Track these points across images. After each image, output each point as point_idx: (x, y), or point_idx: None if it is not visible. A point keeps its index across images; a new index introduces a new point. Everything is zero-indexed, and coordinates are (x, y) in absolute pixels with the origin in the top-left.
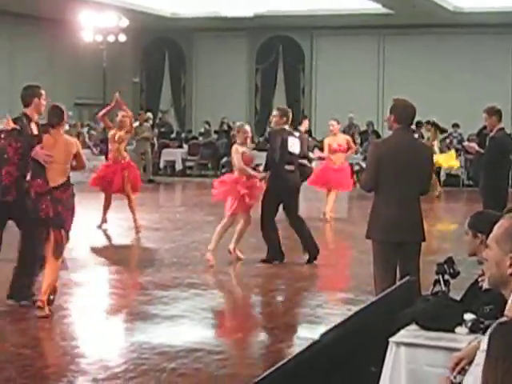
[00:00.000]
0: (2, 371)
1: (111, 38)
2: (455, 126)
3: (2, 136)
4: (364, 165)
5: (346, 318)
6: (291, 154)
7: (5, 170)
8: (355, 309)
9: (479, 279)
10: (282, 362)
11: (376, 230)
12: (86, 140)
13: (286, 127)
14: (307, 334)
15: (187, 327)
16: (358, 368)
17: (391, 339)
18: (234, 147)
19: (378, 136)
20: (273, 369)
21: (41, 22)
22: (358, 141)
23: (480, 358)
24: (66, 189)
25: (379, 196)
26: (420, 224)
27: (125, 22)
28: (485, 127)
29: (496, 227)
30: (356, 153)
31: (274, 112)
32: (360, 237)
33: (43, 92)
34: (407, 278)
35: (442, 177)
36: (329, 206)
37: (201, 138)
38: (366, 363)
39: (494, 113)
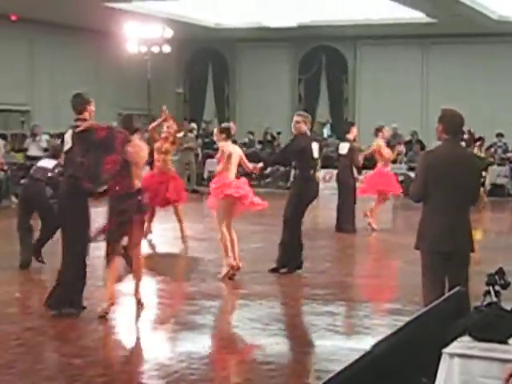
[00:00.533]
0: (53, 381)
1: (155, 49)
2: (499, 135)
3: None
4: (410, 174)
5: (397, 328)
6: (314, 159)
7: (111, 158)
8: (402, 319)
9: None
10: (335, 373)
11: (425, 240)
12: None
13: (308, 133)
14: (355, 345)
15: (236, 337)
16: (408, 379)
17: (445, 350)
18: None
19: (423, 146)
20: (326, 379)
21: (86, 33)
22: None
23: None
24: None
25: (428, 206)
26: (469, 234)
27: (169, 33)
28: None
29: None
30: (400, 162)
31: (297, 118)
32: (405, 247)
33: (92, 99)
34: (457, 288)
35: (487, 187)
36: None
37: (244, 149)
38: (416, 374)
39: None
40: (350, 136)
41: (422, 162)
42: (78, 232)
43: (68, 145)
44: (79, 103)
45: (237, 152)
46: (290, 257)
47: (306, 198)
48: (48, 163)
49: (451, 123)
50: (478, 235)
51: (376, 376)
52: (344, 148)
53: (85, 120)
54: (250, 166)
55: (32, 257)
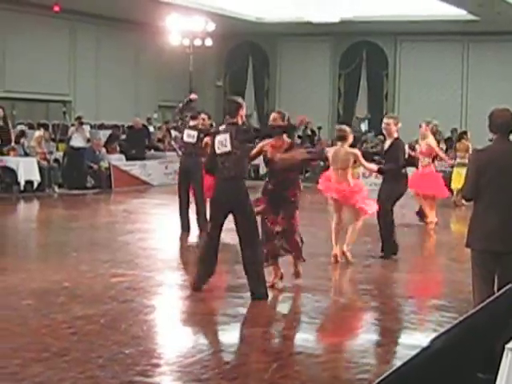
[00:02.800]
0: (107, 369)
1: (197, 42)
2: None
3: None
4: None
5: (455, 323)
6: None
7: None
8: (449, 315)
9: None
10: (394, 368)
11: (476, 239)
12: (172, 142)
13: None
14: (403, 340)
15: (284, 330)
16: (465, 375)
17: (508, 346)
18: None
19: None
20: (386, 374)
21: (128, 24)
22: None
23: None
24: None
25: (479, 204)
26: None
27: (211, 26)
28: None
29: None
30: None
31: (389, 120)
32: (448, 244)
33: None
34: (511, 285)
35: None
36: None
37: None
38: (473, 370)
39: None
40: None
41: (473, 160)
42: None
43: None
44: (234, 108)
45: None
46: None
47: (397, 192)
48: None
49: (498, 122)
50: None
51: (434, 371)
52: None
53: (236, 124)
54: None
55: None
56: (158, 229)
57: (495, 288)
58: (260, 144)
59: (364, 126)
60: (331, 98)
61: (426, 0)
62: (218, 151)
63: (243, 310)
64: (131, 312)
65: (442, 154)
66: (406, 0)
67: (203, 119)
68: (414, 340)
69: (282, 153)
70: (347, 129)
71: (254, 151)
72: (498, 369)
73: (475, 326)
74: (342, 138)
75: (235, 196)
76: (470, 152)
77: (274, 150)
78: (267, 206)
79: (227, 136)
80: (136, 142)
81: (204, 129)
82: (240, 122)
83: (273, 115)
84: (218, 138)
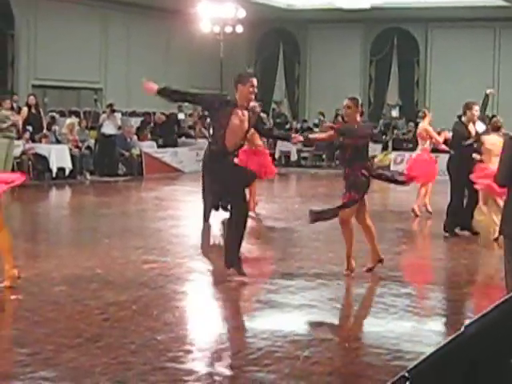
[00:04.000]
0: (140, 355)
1: (228, 29)
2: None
3: None
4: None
5: (489, 310)
6: None
7: None
8: (480, 303)
9: None
10: (428, 354)
11: (509, 226)
12: (203, 130)
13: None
14: (434, 327)
15: (317, 316)
16: (498, 361)
17: None
18: None
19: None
20: (419, 360)
21: (159, 12)
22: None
23: None
24: None
25: None
26: None
27: (242, 13)
28: None
29: None
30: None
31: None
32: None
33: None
34: None
35: None
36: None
37: (316, 129)
38: (506, 356)
39: None
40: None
41: (508, 147)
42: None
43: None
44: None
45: None
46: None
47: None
48: None
49: None
50: None
51: (467, 357)
52: None
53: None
54: None
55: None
56: (190, 216)
57: None
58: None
59: (395, 113)
60: (362, 85)
61: None
62: None
63: (275, 297)
64: (163, 298)
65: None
66: None
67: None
68: (445, 326)
69: None
70: None
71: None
72: None
73: (509, 312)
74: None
75: None
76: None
77: None
78: None
79: None
80: (164, 131)
81: None
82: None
83: (346, 102)
84: None
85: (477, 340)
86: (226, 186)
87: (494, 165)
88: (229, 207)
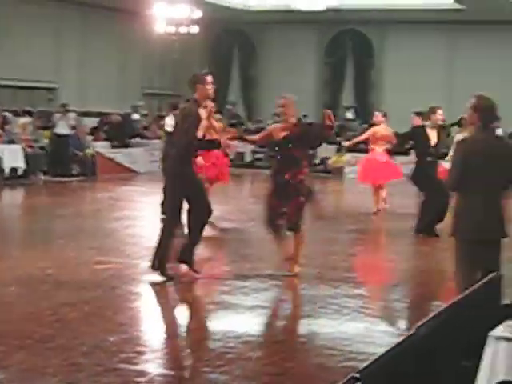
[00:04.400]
0: (91, 357)
1: (183, 30)
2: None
3: None
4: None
5: (439, 311)
6: None
7: None
8: (434, 304)
9: None
10: (379, 355)
11: (461, 228)
12: (157, 130)
13: None
14: (388, 328)
15: (269, 318)
16: (450, 362)
17: (491, 333)
18: None
19: (449, 132)
20: (371, 361)
21: (113, 12)
22: None
23: None
24: None
25: (463, 194)
26: (504, 220)
27: (197, 14)
28: None
29: None
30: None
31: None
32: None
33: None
34: (495, 273)
35: None
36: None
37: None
38: (458, 357)
39: None
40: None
41: (459, 150)
42: None
43: None
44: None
45: None
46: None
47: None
48: None
49: (487, 111)
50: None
51: (418, 358)
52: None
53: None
54: None
55: None
56: (145, 216)
57: (478, 276)
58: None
59: (350, 115)
60: (317, 87)
61: None
62: None
63: (228, 298)
64: (116, 299)
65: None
66: None
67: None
68: (397, 327)
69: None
70: None
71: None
72: (481, 357)
73: (460, 313)
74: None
75: None
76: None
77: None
78: None
79: None
80: (119, 131)
81: None
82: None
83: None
84: None
85: (427, 341)
86: (192, 188)
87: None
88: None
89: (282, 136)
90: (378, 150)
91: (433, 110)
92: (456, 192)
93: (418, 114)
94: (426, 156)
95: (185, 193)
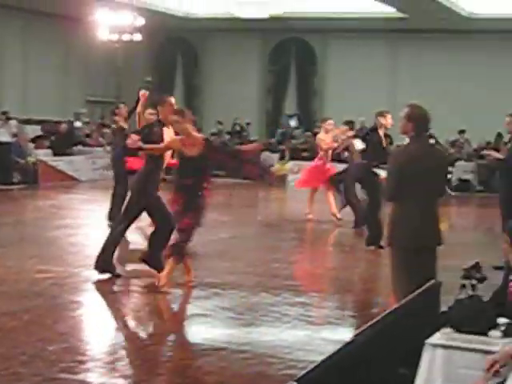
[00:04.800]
0: (30, 366)
1: (126, 37)
2: (462, 132)
3: None
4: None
5: (378, 319)
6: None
7: None
8: (374, 311)
9: (511, 284)
10: (317, 362)
11: (397, 236)
12: (100, 138)
13: None
14: (328, 335)
15: (210, 326)
16: (388, 369)
17: (428, 341)
18: None
19: (391, 139)
20: (308, 369)
21: (57, 19)
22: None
23: None
24: None
25: (401, 203)
26: (439, 228)
27: (140, 21)
28: (500, 134)
29: None
30: None
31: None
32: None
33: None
34: (433, 281)
35: (454, 182)
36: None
37: (213, 138)
38: (396, 365)
39: None
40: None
41: (394, 160)
42: None
43: None
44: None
45: None
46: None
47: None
48: None
49: (423, 121)
50: (443, 227)
51: (356, 366)
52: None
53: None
54: None
55: None
56: (87, 224)
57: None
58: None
59: (293, 123)
60: (260, 94)
61: None
62: None
63: (170, 306)
64: (57, 308)
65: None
66: None
67: None
68: (338, 335)
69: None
70: None
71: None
72: (419, 364)
73: (398, 321)
74: None
75: None
76: None
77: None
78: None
79: None
80: (61, 139)
81: None
82: None
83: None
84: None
85: (365, 349)
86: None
87: None
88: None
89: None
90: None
91: (382, 114)
92: (392, 200)
93: (347, 123)
94: (377, 159)
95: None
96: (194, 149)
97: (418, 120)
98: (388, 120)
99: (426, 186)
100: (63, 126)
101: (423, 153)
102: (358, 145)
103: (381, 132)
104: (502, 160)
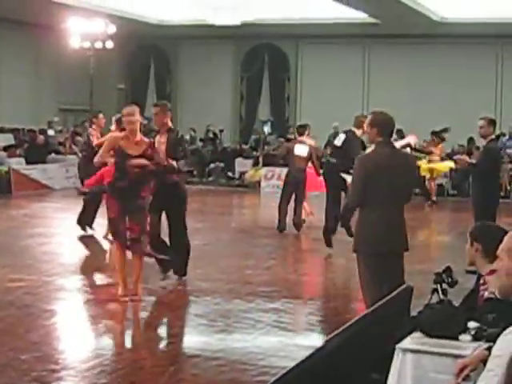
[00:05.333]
0: (1, 375)
1: (98, 45)
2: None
3: None
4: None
5: (348, 324)
6: None
7: None
8: (347, 317)
9: (481, 288)
10: (288, 368)
11: (365, 243)
12: (73, 146)
13: None
14: (301, 341)
15: (183, 333)
16: (359, 375)
17: (398, 346)
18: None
19: (364, 145)
20: (280, 375)
21: (27, 27)
22: None
23: (493, 363)
24: None
25: (366, 209)
26: (405, 233)
27: (112, 29)
28: (471, 138)
29: (507, 238)
30: None
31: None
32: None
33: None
34: (404, 285)
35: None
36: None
37: (186, 145)
38: (367, 370)
39: (492, 122)
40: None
41: (359, 166)
42: None
43: None
44: None
45: None
46: None
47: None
48: None
49: (387, 126)
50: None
51: (328, 371)
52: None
53: None
54: None
55: None
56: (60, 233)
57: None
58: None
59: (267, 129)
60: (233, 101)
61: (327, 3)
62: None
63: (142, 314)
64: (29, 317)
65: None
66: (307, 3)
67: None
68: (311, 341)
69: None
70: None
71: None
72: (390, 369)
73: (368, 327)
74: None
75: None
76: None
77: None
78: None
79: None
80: (33, 147)
81: None
82: None
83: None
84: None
85: (336, 354)
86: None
87: None
88: None
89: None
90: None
91: (361, 120)
92: (358, 206)
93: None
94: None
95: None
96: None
97: (381, 125)
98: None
99: (392, 191)
100: (40, 138)
101: (389, 158)
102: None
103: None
104: (474, 164)
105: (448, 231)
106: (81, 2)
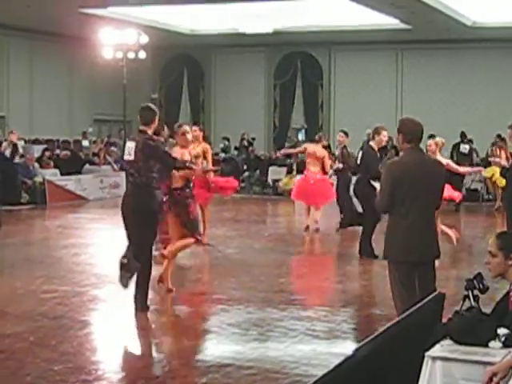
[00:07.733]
0: None
1: (131, 55)
2: (470, 141)
3: None
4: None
5: (379, 332)
6: None
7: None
8: (381, 324)
9: (511, 295)
10: (318, 377)
11: (395, 250)
12: (107, 157)
13: None
14: (334, 349)
15: (216, 342)
16: (388, 383)
17: (427, 353)
18: None
19: (397, 151)
20: (311, 382)
21: (61, 38)
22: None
23: None
24: None
25: (396, 216)
26: (437, 240)
27: (144, 39)
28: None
29: None
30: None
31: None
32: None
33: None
34: (436, 292)
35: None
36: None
37: (222, 154)
38: (397, 378)
39: None
40: None
41: (387, 172)
42: None
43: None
44: (150, 115)
45: None
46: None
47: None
48: None
49: (413, 133)
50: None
51: (358, 380)
52: None
53: (146, 133)
54: None
55: None
56: (93, 244)
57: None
58: None
59: (301, 136)
60: (267, 109)
61: (358, 9)
62: (125, 157)
63: (175, 324)
64: (62, 328)
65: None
66: (339, 10)
67: None
68: (345, 349)
69: None
70: None
71: None
72: (419, 376)
73: (400, 334)
74: None
75: (136, 202)
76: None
77: None
78: None
79: (133, 144)
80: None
81: None
82: (150, 132)
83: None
84: (128, 143)
85: (366, 363)
86: None
87: None
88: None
89: None
90: (313, 170)
91: (377, 131)
92: (387, 214)
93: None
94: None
95: None
96: None
97: (408, 132)
98: (382, 137)
99: (423, 198)
100: (63, 154)
101: (417, 165)
102: None
103: (377, 147)
104: (508, 169)
105: (481, 236)
106: (113, 14)
